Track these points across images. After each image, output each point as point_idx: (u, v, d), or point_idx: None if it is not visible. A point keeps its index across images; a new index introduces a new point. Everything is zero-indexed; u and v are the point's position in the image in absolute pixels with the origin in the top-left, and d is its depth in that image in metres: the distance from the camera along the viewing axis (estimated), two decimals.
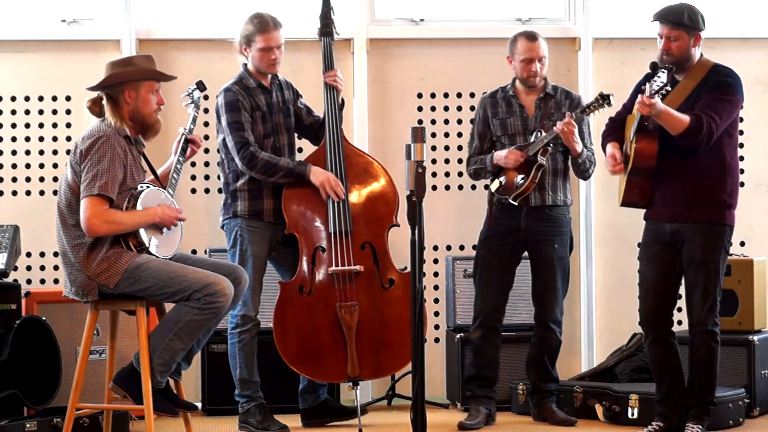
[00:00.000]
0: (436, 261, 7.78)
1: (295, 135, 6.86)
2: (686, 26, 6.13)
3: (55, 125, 7.57)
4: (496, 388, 7.03)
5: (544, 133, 6.67)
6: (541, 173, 6.67)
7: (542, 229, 6.75)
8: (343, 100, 6.81)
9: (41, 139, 7.57)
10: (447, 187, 7.77)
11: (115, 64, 5.91)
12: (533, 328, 6.88)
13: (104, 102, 5.84)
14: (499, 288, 6.79)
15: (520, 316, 7.25)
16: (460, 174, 7.67)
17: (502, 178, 6.75)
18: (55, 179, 7.42)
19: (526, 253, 6.86)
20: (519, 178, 6.68)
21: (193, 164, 7.57)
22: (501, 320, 6.82)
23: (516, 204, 6.69)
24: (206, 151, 7.55)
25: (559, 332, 6.83)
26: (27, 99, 7.57)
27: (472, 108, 7.50)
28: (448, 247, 7.75)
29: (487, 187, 6.90)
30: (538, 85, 6.83)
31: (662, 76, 5.95)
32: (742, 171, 7.78)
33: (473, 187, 7.60)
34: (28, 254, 7.43)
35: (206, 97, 7.34)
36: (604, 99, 6.66)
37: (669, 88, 5.99)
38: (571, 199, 6.88)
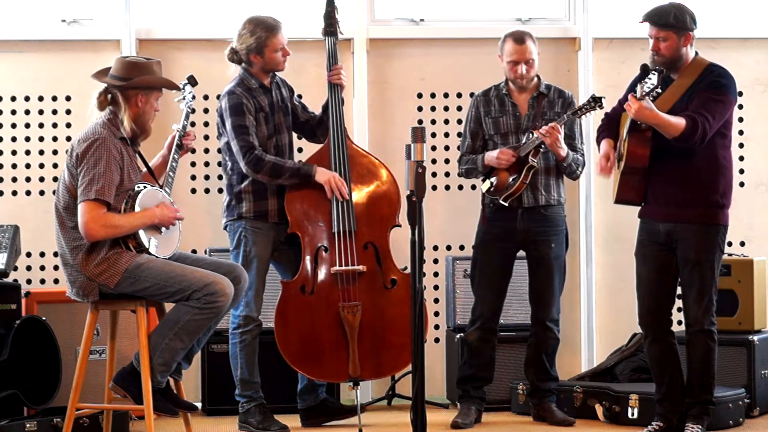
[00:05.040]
0: (436, 261, 7.78)
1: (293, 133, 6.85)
2: (673, 26, 6.12)
3: (55, 125, 7.57)
4: (495, 389, 7.06)
5: (535, 135, 6.67)
6: (532, 174, 6.68)
7: (539, 230, 6.75)
8: (342, 99, 6.80)
9: (41, 139, 7.56)
10: (447, 187, 7.77)
11: (134, 67, 5.86)
12: (530, 327, 6.88)
13: (118, 98, 5.82)
14: (498, 290, 6.81)
15: (519, 316, 7.25)
16: (461, 174, 7.68)
17: (493, 179, 6.74)
18: (55, 179, 7.40)
19: (521, 252, 6.87)
20: (510, 179, 6.68)
21: (193, 164, 7.56)
22: (498, 321, 6.84)
23: (506, 205, 6.69)
24: (206, 151, 7.55)
25: (557, 331, 6.84)
26: (27, 99, 7.56)
27: None
28: (448, 247, 7.74)
29: (474, 187, 6.88)
30: (527, 85, 6.81)
31: (653, 78, 5.96)
32: (742, 171, 7.78)
33: (473, 187, 7.58)
34: (28, 254, 7.42)
35: (206, 97, 7.36)
36: (596, 101, 6.65)
37: (659, 90, 5.99)
38: (564, 198, 6.87)
